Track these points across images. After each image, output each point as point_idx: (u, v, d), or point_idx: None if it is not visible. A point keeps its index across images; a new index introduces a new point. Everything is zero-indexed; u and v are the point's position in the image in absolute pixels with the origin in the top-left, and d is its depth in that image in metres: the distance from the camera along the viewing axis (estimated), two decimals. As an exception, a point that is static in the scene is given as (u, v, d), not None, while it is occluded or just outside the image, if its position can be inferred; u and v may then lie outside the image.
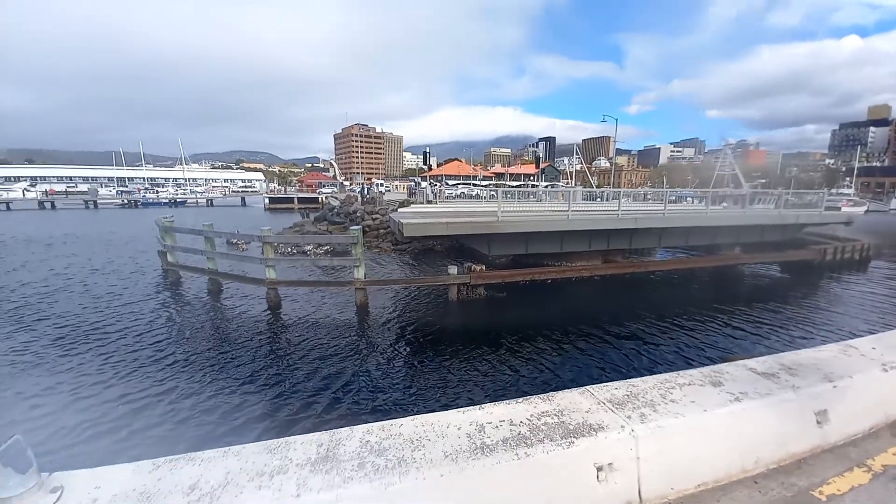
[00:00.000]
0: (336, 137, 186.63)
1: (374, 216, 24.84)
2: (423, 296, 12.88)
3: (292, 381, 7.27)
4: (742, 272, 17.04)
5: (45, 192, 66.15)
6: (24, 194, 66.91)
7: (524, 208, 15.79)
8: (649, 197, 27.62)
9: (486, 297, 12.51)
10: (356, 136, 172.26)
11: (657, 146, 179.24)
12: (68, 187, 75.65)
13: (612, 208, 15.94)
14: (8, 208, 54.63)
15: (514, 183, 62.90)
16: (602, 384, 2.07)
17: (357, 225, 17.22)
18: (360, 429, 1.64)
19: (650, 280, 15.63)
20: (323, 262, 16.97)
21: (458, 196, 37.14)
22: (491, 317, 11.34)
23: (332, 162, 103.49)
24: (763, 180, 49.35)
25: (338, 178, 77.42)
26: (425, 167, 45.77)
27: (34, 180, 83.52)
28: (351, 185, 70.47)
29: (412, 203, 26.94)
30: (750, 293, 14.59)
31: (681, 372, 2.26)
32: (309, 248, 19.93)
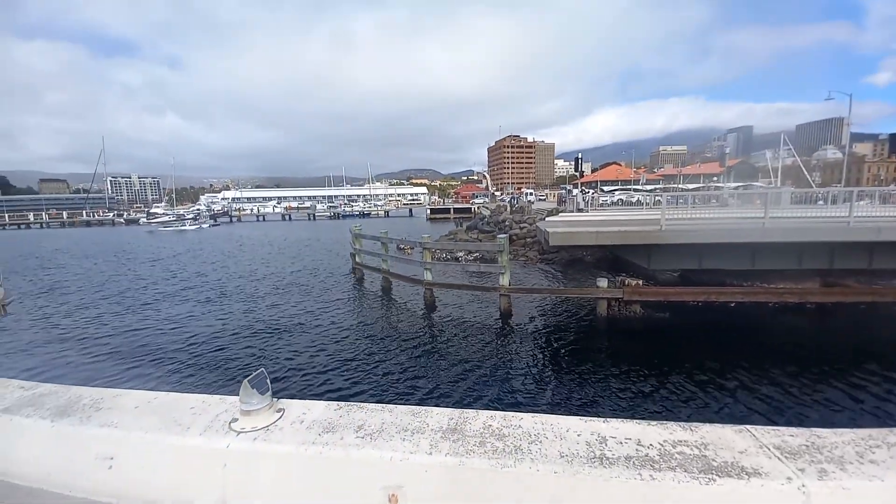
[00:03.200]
0: (489, 150, 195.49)
1: (521, 225, 25.06)
2: (568, 308, 12.35)
3: (438, 370, 8.08)
4: None
5: (286, 209, 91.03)
6: (273, 209, 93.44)
7: (699, 215, 13.31)
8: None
9: (642, 316, 11.11)
10: (508, 147, 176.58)
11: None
12: (299, 204, 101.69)
13: (839, 214, 11.93)
14: (264, 219, 78.10)
15: (690, 186, 53.45)
16: (771, 427, 1.70)
17: (504, 233, 17.73)
18: (483, 413, 1.83)
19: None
20: (472, 268, 18.08)
21: (613, 203, 33.96)
22: (646, 340, 10.02)
23: (485, 174, 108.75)
24: None
25: (489, 188, 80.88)
26: (577, 174, 43.50)
27: (279, 199, 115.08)
28: (502, 195, 72.62)
29: (561, 212, 26.04)
30: None
31: (895, 429, 1.67)
32: (461, 254, 21.55)
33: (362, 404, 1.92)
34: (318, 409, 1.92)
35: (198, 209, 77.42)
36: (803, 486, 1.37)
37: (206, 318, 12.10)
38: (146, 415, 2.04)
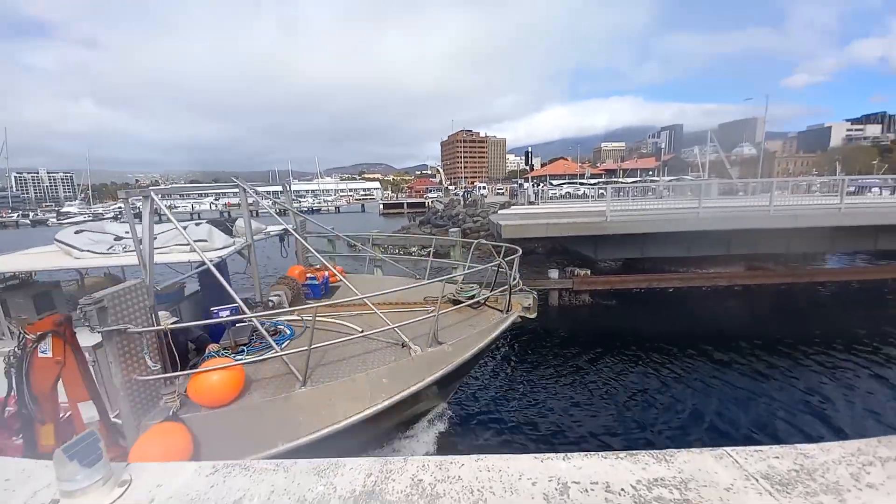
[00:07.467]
0: (442, 144, 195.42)
1: (475, 219, 25.02)
2: (521, 301, 12.33)
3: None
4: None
5: (225, 205, 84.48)
6: (210, 206, 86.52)
7: (639, 207, 13.91)
8: (815, 188, 21.94)
9: (591, 304, 11.36)
10: (461, 142, 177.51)
11: (826, 125, 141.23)
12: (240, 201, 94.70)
13: (760, 204, 12.97)
14: (199, 217, 71.88)
15: (629, 179, 56.93)
16: (752, 448, 1.45)
17: (458, 227, 17.47)
18: (414, 462, 1.41)
19: (818, 293, 12.26)
20: (424, 263, 17.66)
21: (562, 196, 35.17)
22: (595, 328, 10.22)
23: (438, 168, 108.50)
24: None
25: (443, 182, 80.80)
26: (527, 168, 44.57)
27: (217, 195, 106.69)
28: (455, 189, 72.85)
29: (513, 205, 26.37)
30: None
31: (884, 438, 1.49)
32: (413, 249, 21.03)
33: (248, 463, 1.41)
34: (185, 475, 1.37)
35: (119, 207, 69.68)
36: (809, 536, 1.09)
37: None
38: None
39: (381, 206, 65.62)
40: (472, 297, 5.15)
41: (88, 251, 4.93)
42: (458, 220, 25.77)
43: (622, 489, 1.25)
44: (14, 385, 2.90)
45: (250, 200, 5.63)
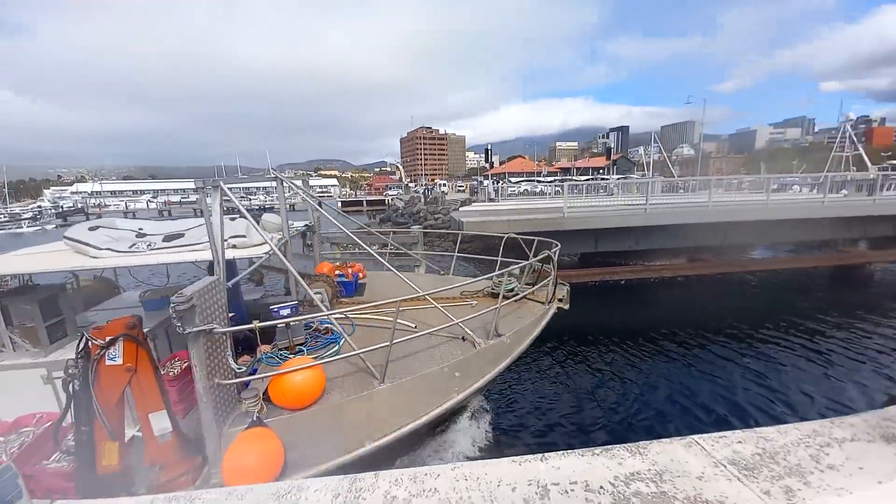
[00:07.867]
0: (402, 141, 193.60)
1: (436, 216, 25.00)
2: (484, 297, 12.47)
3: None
4: (872, 272, 14.02)
5: (164, 203, 78.18)
6: (147, 205, 79.79)
7: (593, 203, 14.60)
8: (745, 186, 24.14)
9: (551, 299, 11.72)
10: (420, 138, 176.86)
11: (752, 128, 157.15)
12: (182, 198, 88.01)
13: (700, 200, 14.04)
14: (134, 216, 65.75)
15: (582, 177, 59.53)
16: (717, 434, 1.50)
17: (419, 225, 17.35)
18: (385, 476, 1.31)
19: (748, 282, 13.48)
20: (385, 262, 17.40)
21: (520, 193, 36.06)
22: (553, 320, 10.56)
23: (398, 165, 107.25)
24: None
25: (403, 180, 79.99)
26: (487, 165, 45.24)
27: (156, 193, 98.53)
28: (415, 186, 72.42)
29: (474, 201, 26.62)
30: (882, 298, 11.87)
31: (836, 420, 1.60)
32: (374, 247, 20.62)
33: (194, 493, 1.24)
34: (116, 515, 1.19)
35: (39, 206, 62.34)
36: (778, 520, 1.13)
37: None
38: None
39: (340, 204, 63.86)
40: (512, 290, 5.31)
41: (108, 249, 4.31)
42: (419, 217, 25.62)
43: (601, 487, 1.24)
44: (73, 399, 2.47)
45: (257, 195, 5.24)
